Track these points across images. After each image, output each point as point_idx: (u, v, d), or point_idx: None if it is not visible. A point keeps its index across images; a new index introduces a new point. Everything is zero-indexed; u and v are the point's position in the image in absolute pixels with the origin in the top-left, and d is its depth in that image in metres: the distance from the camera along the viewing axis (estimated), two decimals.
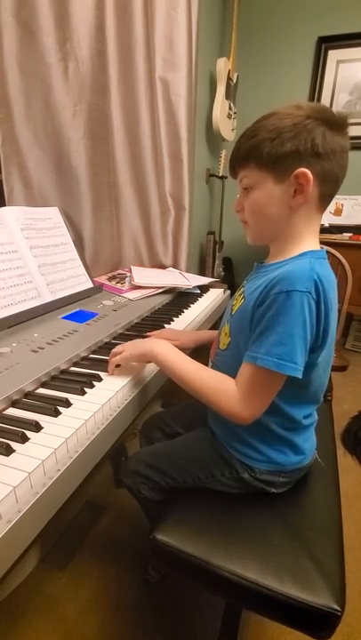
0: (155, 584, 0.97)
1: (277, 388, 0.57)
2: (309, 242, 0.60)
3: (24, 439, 0.47)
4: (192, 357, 0.70)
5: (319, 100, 2.30)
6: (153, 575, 0.97)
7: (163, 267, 1.54)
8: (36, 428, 0.50)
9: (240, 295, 0.66)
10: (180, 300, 1.19)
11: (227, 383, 0.60)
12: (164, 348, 0.67)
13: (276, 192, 0.58)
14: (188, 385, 0.63)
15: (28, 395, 0.60)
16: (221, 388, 0.60)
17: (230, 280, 2.63)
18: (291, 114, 0.55)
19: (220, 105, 1.99)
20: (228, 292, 1.38)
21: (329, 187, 0.57)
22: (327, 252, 0.62)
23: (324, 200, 0.59)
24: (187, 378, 0.63)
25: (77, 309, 0.94)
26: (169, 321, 0.98)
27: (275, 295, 0.53)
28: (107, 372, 0.68)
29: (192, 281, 1.30)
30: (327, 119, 0.54)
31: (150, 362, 0.70)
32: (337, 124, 0.55)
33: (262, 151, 0.56)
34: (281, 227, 0.61)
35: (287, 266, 0.57)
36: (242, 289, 0.68)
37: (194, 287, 1.28)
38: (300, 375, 0.54)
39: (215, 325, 1.14)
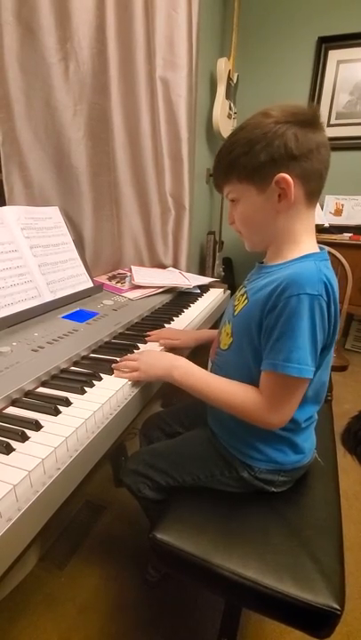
0: (155, 583, 0.97)
1: (302, 390, 0.58)
2: (307, 241, 0.61)
3: (24, 438, 0.47)
4: (191, 357, 0.70)
5: (319, 100, 2.30)
6: (153, 574, 0.97)
7: (163, 266, 1.54)
8: (36, 426, 0.50)
9: (243, 296, 0.66)
10: (180, 299, 1.19)
11: (252, 394, 0.60)
12: (183, 370, 0.66)
13: (260, 201, 0.59)
14: (213, 401, 0.64)
15: (28, 394, 0.60)
16: (248, 400, 0.60)
17: (230, 280, 2.63)
18: (259, 123, 0.55)
19: (221, 105, 1.99)
20: (229, 291, 1.38)
21: (314, 184, 0.57)
22: (328, 252, 0.62)
23: (311, 197, 0.59)
24: (211, 395, 0.63)
25: (77, 309, 0.94)
26: (169, 320, 0.98)
27: (286, 300, 0.53)
28: (107, 371, 0.68)
29: (192, 281, 1.30)
30: (297, 120, 0.54)
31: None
32: (308, 121, 0.55)
33: (239, 166, 0.58)
34: (274, 231, 0.61)
35: (294, 268, 0.57)
36: (243, 289, 0.68)
37: (194, 287, 1.28)
38: (312, 376, 0.55)
39: (215, 325, 1.15)
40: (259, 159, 0.55)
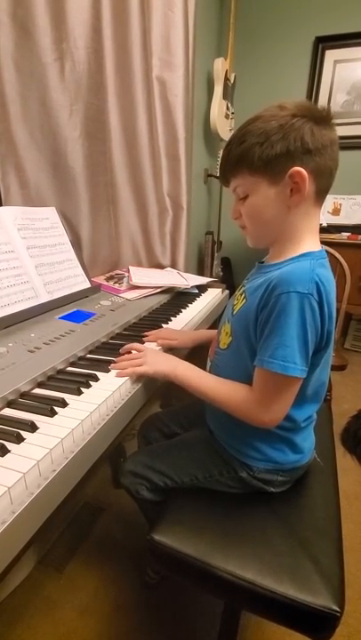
0: (154, 585, 0.97)
1: (293, 388, 0.57)
2: (309, 241, 0.60)
3: (19, 439, 0.47)
4: (189, 357, 0.70)
5: (317, 99, 2.31)
6: (152, 576, 0.97)
7: (161, 267, 1.54)
8: (32, 428, 0.49)
9: (241, 295, 0.66)
10: (178, 299, 1.19)
11: (245, 392, 0.61)
12: (185, 370, 0.67)
13: (272, 194, 0.58)
14: (211, 399, 0.65)
15: (24, 395, 0.59)
16: (241, 397, 0.61)
17: (229, 280, 2.63)
18: (275, 115, 0.55)
19: (218, 105, 1.99)
20: (227, 291, 1.38)
21: (324, 180, 0.57)
22: (326, 251, 0.62)
23: (320, 194, 0.58)
24: (210, 393, 0.64)
25: (75, 309, 0.93)
26: (167, 321, 0.98)
27: (276, 297, 0.53)
28: (104, 371, 0.67)
29: (190, 281, 1.30)
30: (313, 115, 0.54)
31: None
32: (323, 118, 0.55)
33: (253, 156, 0.56)
34: (281, 227, 0.60)
35: (288, 267, 0.57)
36: (242, 288, 0.67)
37: (192, 287, 1.28)
38: (303, 375, 0.55)
39: (213, 325, 1.14)
40: (274, 150, 0.54)
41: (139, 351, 0.72)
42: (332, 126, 0.56)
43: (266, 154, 0.55)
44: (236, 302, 0.68)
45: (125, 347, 0.74)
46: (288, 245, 0.61)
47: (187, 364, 0.69)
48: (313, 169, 0.55)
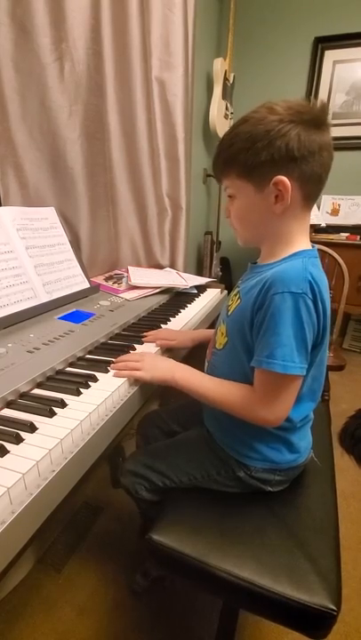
0: (141, 594, 0.94)
1: (294, 386, 0.58)
2: (300, 241, 0.61)
3: (18, 440, 0.47)
4: (188, 357, 0.70)
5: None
6: (140, 583, 0.94)
7: (160, 267, 1.54)
8: (31, 428, 0.50)
9: (235, 295, 0.67)
10: (177, 300, 1.19)
11: (246, 392, 0.61)
12: (184, 374, 0.67)
13: (256, 200, 0.58)
14: (212, 402, 0.65)
15: (23, 395, 0.59)
16: (242, 398, 0.61)
17: (228, 280, 2.63)
18: (263, 119, 0.54)
19: (217, 105, 2.00)
20: (226, 292, 1.38)
21: (312, 187, 0.57)
22: (324, 252, 0.62)
23: (308, 200, 0.58)
24: (210, 396, 0.64)
25: (74, 310, 0.93)
26: (166, 321, 0.98)
27: (271, 297, 0.53)
28: (103, 372, 0.68)
29: (189, 281, 1.30)
30: (302, 119, 0.53)
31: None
32: (314, 121, 0.53)
33: (239, 162, 0.57)
34: (267, 230, 0.61)
35: (281, 267, 0.57)
36: (237, 289, 0.68)
37: (191, 287, 1.28)
38: (303, 373, 0.55)
39: (212, 325, 1.14)
40: (259, 157, 0.54)
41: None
42: (325, 129, 0.54)
43: (251, 160, 0.55)
44: (230, 303, 0.68)
45: (123, 357, 0.71)
46: (279, 246, 0.61)
47: (185, 367, 0.69)
48: (298, 177, 0.55)
